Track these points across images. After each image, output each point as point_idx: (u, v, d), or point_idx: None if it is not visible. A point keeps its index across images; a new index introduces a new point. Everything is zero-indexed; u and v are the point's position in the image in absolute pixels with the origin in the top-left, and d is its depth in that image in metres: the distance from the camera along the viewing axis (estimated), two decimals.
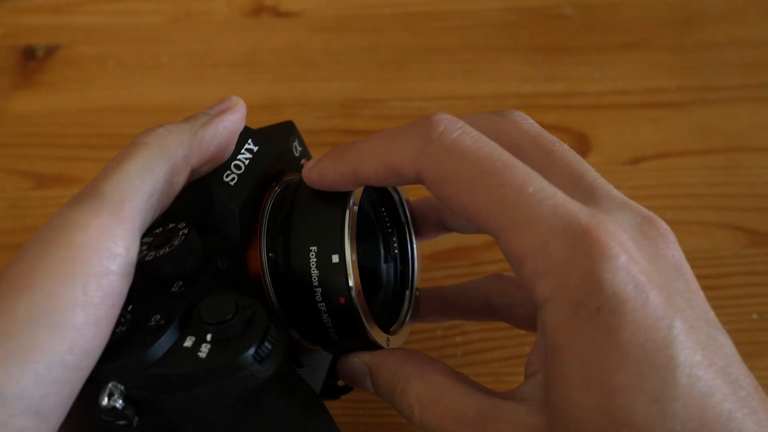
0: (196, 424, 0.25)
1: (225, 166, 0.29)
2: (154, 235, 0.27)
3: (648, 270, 0.22)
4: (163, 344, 0.24)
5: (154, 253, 0.26)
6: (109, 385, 0.24)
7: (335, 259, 0.27)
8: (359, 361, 0.29)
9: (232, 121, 0.28)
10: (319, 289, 0.27)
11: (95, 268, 0.24)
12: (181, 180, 0.27)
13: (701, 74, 0.46)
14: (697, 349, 0.22)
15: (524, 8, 0.49)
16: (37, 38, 0.49)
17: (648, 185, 0.42)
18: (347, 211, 0.27)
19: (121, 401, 0.24)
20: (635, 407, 0.21)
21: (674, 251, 0.25)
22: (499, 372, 0.38)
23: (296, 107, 0.45)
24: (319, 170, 0.28)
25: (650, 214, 0.25)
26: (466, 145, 0.24)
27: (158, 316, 0.25)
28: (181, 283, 0.26)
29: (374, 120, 0.45)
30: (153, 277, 0.26)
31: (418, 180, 0.25)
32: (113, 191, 0.25)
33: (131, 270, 0.25)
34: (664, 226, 0.25)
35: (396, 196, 0.33)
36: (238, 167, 0.29)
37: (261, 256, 0.29)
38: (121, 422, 0.25)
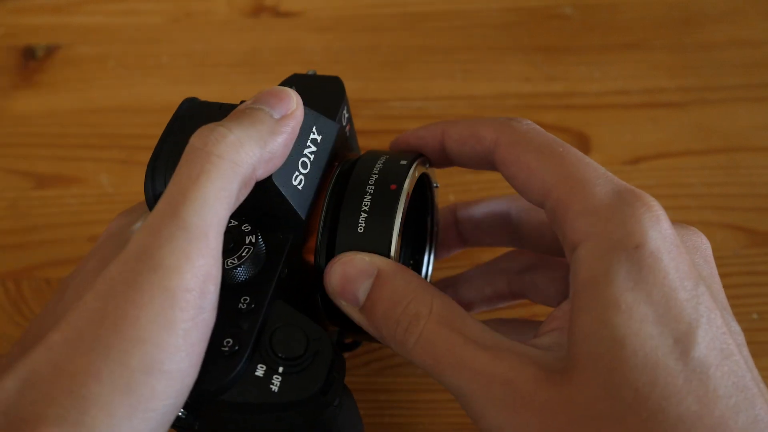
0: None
1: (292, 164, 0.27)
2: None
3: (679, 241, 0.25)
4: (236, 372, 0.25)
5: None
6: None
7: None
8: (369, 261, 0.28)
9: (296, 126, 0.27)
10: None
11: (192, 311, 0.24)
12: (248, 191, 0.26)
13: (701, 74, 0.46)
14: (718, 317, 0.24)
15: (524, 8, 0.49)
16: (37, 38, 0.49)
17: (648, 185, 0.42)
18: (398, 216, 0.28)
19: (183, 411, 0.25)
20: (658, 340, 0.22)
21: (704, 243, 0.27)
22: None
23: None
24: (411, 135, 0.31)
25: None
26: (538, 128, 0.28)
27: (230, 341, 0.25)
28: (248, 298, 0.26)
29: (374, 120, 0.45)
30: (221, 290, 0.26)
31: (492, 146, 0.28)
32: (198, 222, 0.24)
33: (218, 300, 0.25)
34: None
35: (430, 215, 0.34)
36: (304, 165, 0.28)
37: (315, 257, 0.29)
38: (181, 425, 0.25)
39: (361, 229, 0.28)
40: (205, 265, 0.24)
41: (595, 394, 0.22)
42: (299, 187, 0.28)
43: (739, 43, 0.47)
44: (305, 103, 0.28)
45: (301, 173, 0.28)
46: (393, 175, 0.29)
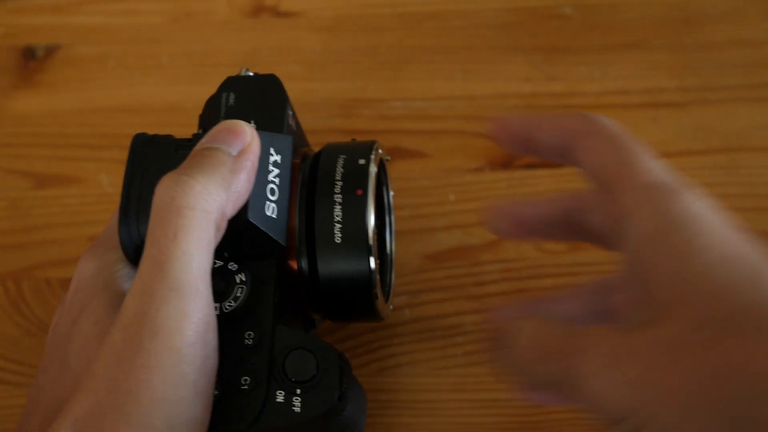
0: None
1: (261, 195, 0.28)
2: None
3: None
4: (260, 406, 0.27)
5: (217, 305, 0.28)
6: None
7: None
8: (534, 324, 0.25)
9: (255, 159, 0.28)
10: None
11: (198, 362, 0.25)
12: (221, 234, 0.27)
13: (701, 74, 0.46)
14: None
15: (524, 8, 0.49)
16: (37, 38, 0.49)
17: None
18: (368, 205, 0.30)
19: None
20: (740, 265, 0.22)
21: None
22: (499, 372, 0.38)
23: (296, 107, 0.45)
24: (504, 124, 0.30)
25: None
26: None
27: (247, 378, 0.27)
28: (252, 333, 0.28)
29: (374, 120, 0.45)
30: (224, 331, 0.27)
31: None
32: (187, 278, 0.25)
33: (218, 342, 0.26)
34: None
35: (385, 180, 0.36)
36: (272, 192, 0.29)
37: (298, 264, 0.31)
38: None
39: (338, 240, 0.30)
40: (203, 317, 0.25)
41: (697, 325, 0.22)
42: (273, 216, 0.29)
43: (739, 43, 0.47)
44: (249, 110, 0.30)
45: (271, 201, 0.29)
46: (356, 179, 0.30)
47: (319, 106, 0.46)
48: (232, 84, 0.32)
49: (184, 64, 0.48)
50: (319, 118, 0.45)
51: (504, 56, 0.47)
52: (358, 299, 0.31)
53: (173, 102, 0.47)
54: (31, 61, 0.48)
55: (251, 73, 0.34)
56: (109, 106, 0.47)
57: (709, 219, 0.24)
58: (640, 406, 0.21)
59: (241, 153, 0.27)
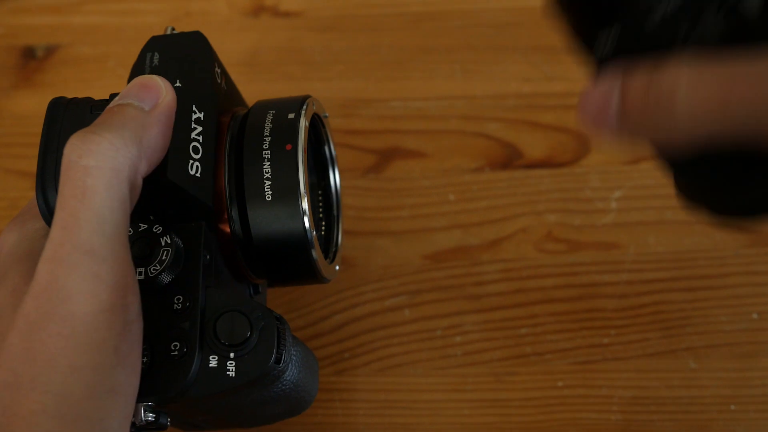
0: (218, 406, 0.28)
1: (183, 152, 0.27)
2: (131, 242, 0.27)
3: None
4: (192, 372, 0.26)
5: (143, 270, 0.27)
6: (141, 407, 0.26)
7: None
8: (606, 86, 0.22)
9: (169, 114, 0.26)
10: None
11: (118, 327, 0.24)
12: (137, 192, 0.26)
13: None
14: None
15: (524, 8, 0.49)
16: (37, 38, 0.49)
17: (648, 185, 0.42)
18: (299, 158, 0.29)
19: (152, 415, 0.26)
20: None
21: None
22: (499, 372, 0.38)
23: None
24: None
25: None
26: None
27: (177, 344, 0.26)
28: (180, 297, 0.27)
29: (374, 120, 0.45)
30: (151, 296, 0.26)
31: None
32: (99, 240, 0.24)
33: (140, 306, 0.25)
34: None
35: (324, 131, 0.35)
36: (196, 150, 0.28)
37: (230, 228, 0.29)
38: (153, 427, 0.26)
39: (269, 197, 0.28)
40: (119, 280, 0.24)
41: None
42: (197, 175, 0.27)
43: None
44: (174, 69, 0.28)
45: (195, 159, 0.27)
46: (285, 133, 0.29)
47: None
48: (155, 43, 0.31)
49: None
50: None
51: (504, 56, 0.47)
52: (295, 260, 0.30)
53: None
54: (31, 61, 0.49)
55: (176, 32, 0.32)
56: None
57: None
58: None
59: (155, 107, 0.26)
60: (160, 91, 0.27)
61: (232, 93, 0.33)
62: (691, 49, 0.21)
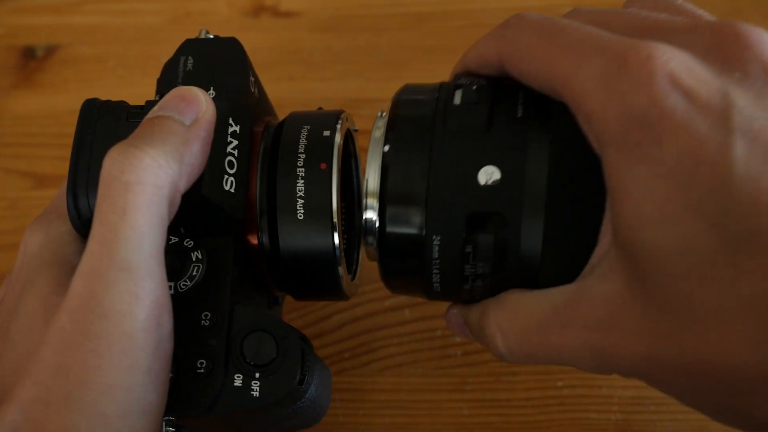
0: (235, 421, 0.28)
1: (218, 167, 0.27)
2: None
3: (699, 88, 0.21)
4: (216, 390, 0.26)
5: (172, 284, 0.27)
6: (162, 421, 0.26)
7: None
8: (456, 312, 0.29)
9: (209, 129, 0.26)
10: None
11: (152, 346, 0.24)
12: (175, 209, 0.25)
13: None
14: (762, 157, 0.20)
15: (524, 8, 0.48)
16: (37, 38, 0.49)
17: None
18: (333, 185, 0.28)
19: (172, 429, 0.26)
20: (696, 238, 0.20)
21: (755, 65, 0.21)
22: (499, 372, 0.38)
23: (296, 107, 0.44)
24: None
25: (723, 25, 0.22)
26: (532, 20, 0.24)
27: (203, 362, 0.26)
28: (208, 314, 0.27)
29: (374, 120, 0.45)
30: (179, 311, 0.26)
31: (501, 65, 0.26)
32: (138, 258, 0.23)
33: (173, 325, 0.25)
34: (749, 38, 0.22)
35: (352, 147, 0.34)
36: (231, 164, 0.27)
37: (259, 240, 0.29)
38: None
39: (300, 216, 0.28)
40: (156, 299, 0.24)
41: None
42: (231, 190, 0.27)
43: None
44: (208, 76, 0.28)
45: (230, 174, 0.27)
46: (320, 151, 0.29)
47: (319, 106, 0.46)
48: (190, 47, 0.30)
49: None
50: None
51: None
52: (321, 277, 0.30)
53: None
54: (31, 61, 0.49)
55: (211, 36, 0.32)
56: None
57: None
58: None
59: (195, 123, 0.26)
60: (201, 105, 0.26)
61: (263, 101, 0.33)
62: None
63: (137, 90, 0.47)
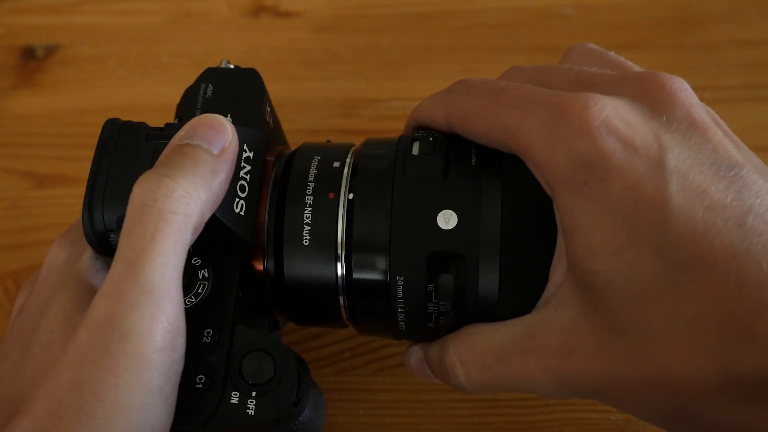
0: None
1: (231, 192, 0.28)
2: None
3: (633, 132, 0.23)
4: (213, 406, 0.27)
5: None
6: None
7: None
8: (417, 349, 0.30)
9: (234, 159, 0.27)
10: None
11: (166, 367, 0.24)
12: (198, 233, 0.26)
13: (701, 74, 0.46)
14: (694, 191, 0.22)
15: (524, 8, 0.49)
16: (37, 38, 0.49)
17: None
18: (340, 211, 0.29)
19: None
20: (642, 265, 0.22)
21: (680, 109, 0.25)
22: None
23: (296, 107, 0.45)
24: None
25: (649, 75, 0.26)
26: (476, 84, 0.28)
27: (203, 377, 0.27)
28: (211, 331, 0.27)
29: (374, 120, 0.45)
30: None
31: (448, 126, 0.28)
32: (160, 282, 0.24)
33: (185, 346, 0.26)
34: (671, 86, 0.25)
35: None
36: (243, 188, 0.28)
37: (265, 265, 0.30)
38: None
39: (306, 242, 0.29)
40: (173, 322, 0.25)
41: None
42: (241, 213, 0.28)
43: (739, 43, 0.47)
44: (226, 103, 0.29)
45: (241, 198, 0.28)
46: (328, 182, 0.29)
47: (319, 106, 0.46)
48: (211, 75, 0.32)
49: (184, 64, 0.48)
50: (319, 118, 0.45)
51: (504, 56, 0.47)
52: (323, 304, 0.30)
53: (173, 102, 0.46)
54: (31, 61, 0.49)
55: (231, 66, 0.33)
56: (109, 106, 0.47)
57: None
58: None
59: (222, 152, 0.26)
60: (227, 134, 0.27)
61: (277, 130, 0.34)
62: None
63: (137, 90, 0.47)
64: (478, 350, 0.27)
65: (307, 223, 0.29)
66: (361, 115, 0.46)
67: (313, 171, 0.30)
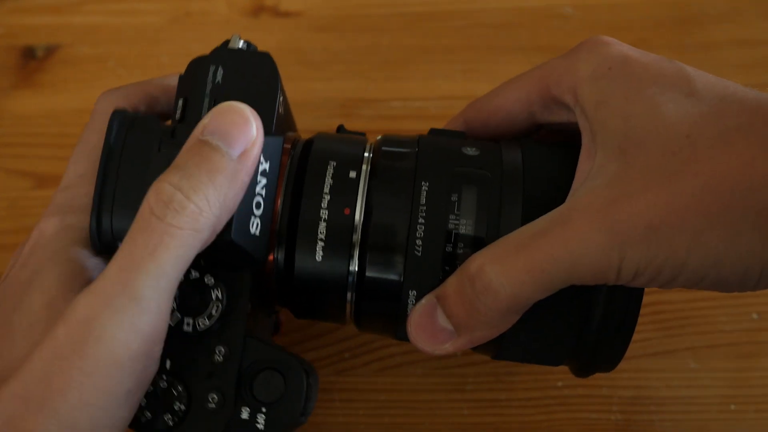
0: None
1: (247, 211, 0.27)
2: (180, 289, 0.27)
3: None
4: (224, 423, 0.27)
5: (191, 321, 0.27)
6: None
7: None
8: (424, 302, 0.27)
9: (255, 164, 0.26)
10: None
11: (138, 374, 0.25)
12: (206, 245, 0.25)
13: None
14: (703, 74, 0.27)
15: (524, 8, 0.49)
16: (37, 38, 0.49)
17: None
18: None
19: None
20: (672, 106, 0.26)
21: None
22: (499, 372, 0.38)
23: (296, 107, 0.44)
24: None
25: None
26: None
27: (215, 396, 0.27)
28: (222, 348, 0.27)
29: (374, 120, 0.45)
30: (194, 344, 0.27)
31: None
32: (151, 295, 0.24)
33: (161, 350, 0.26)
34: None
35: None
36: (258, 206, 0.27)
37: (274, 274, 0.29)
38: None
39: (319, 258, 0.28)
40: (152, 332, 0.24)
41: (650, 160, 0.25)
42: (257, 233, 0.27)
43: (739, 43, 0.47)
44: (236, 91, 0.27)
45: (256, 216, 0.27)
46: (345, 195, 0.28)
47: (319, 106, 0.46)
48: (222, 56, 0.29)
49: (184, 64, 0.48)
50: (319, 118, 0.45)
51: (504, 56, 0.47)
52: (330, 300, 0.30)
53: None
54: (31, 61, 0.49)
55: (242, 42, 0.31)
56: None
57: (635, 75, 0.28)
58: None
59: (243, 156, 0.25)
60: (251, 134, 0.25)
61: (288, 117, 0.33)
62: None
63: None
64: (510, 239, 0.25)
65: (321, 239, 0.28)
66: (361, 115, 0.46)
67: (328, 181, 0.29)
